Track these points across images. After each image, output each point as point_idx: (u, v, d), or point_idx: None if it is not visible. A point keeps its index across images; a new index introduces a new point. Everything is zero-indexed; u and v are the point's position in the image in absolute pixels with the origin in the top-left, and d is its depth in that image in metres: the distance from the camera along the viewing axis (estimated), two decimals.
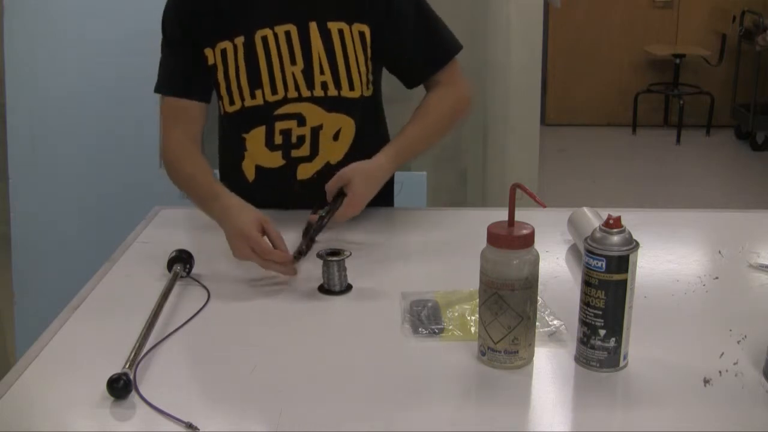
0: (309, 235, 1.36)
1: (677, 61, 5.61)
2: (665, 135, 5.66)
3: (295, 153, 1.58)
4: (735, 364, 1.06)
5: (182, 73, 1.57)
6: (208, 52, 1.53)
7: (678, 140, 5.53)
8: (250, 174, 1.61)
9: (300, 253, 1.33)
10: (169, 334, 1.14)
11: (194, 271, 1.32)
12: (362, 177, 1.44)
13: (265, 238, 1.31)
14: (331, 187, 1.44)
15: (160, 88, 1.59)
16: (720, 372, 1.04)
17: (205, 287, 1.28)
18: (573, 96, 5.84)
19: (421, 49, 1.60)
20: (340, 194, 1.43)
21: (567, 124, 5.79)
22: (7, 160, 2.24)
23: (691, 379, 1.02)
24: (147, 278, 1.31)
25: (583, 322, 1.04)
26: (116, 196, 2.24)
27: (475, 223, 1.38)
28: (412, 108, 1.64)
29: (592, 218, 1.38)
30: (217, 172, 1.79)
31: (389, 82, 1.70)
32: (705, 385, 1.02)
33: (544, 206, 1.09)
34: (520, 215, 1.04)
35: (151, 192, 2.20)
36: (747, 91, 5.42)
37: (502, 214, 1.05)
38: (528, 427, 0.98)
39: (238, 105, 1.55)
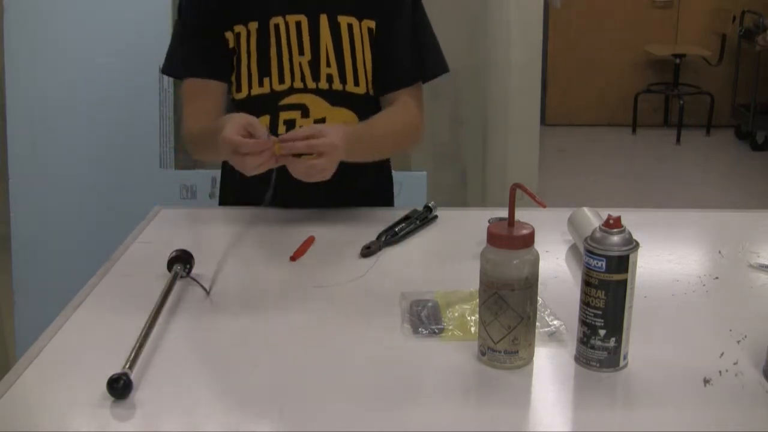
0: (386, 233, 1.45)
1: (677, 61, 5.61)
2: (665, 135, 5.67)
3: None
4: (735, 364, 1.06)
5: (200, 54, 1.57)
6: (228, 35, 1.55)
7: (678, 140, 5.53)
8: None
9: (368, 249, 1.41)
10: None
11: (194, 271, 1.32)
12: (335, 134, 1.38)
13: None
14: (300, 132, 1.37)
15: (172, 71, 1.64)
16: (720, 372, 1.04)
17: (204, 287, 1.28)
18: (573, 96, 5.84)
19: (410, 59, 1.59)
20: (426, 210, 1.55)
21: (567, 124, 5.79)
22: (7, 160, 2.24)
23: (691, 379, 1.02)
24: (147, 278, 1.30)
25: (583, 322, 1.04)
26: (116, 196, 2.24)
27: (475, 223, 1.38)
28: None
29: (592, 218, 1.38)
30: (218, 172, 1.79)
31: None
32: (705, 385, 1.01)
33: (544, 206, 1.09)
34: (520, 215, 1.03)
35: (151, 192, 2.21)
36: (747, 91, 5.42)
37: (502, 214, 1.05)
38: (528, 427, 0.98)
39: (245, 92, 1.56)
